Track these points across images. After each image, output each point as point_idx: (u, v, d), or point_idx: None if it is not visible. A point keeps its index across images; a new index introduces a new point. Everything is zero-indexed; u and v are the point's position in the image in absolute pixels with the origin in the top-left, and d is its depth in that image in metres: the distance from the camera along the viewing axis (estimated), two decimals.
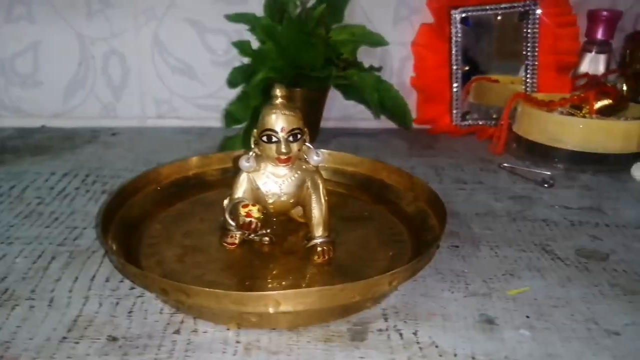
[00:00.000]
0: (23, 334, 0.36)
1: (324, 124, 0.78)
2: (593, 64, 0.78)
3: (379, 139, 0.79)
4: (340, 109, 0.82)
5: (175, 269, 0.42)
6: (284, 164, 0.42)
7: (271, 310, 0.34)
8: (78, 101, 0.80)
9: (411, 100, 0.79)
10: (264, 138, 0.41)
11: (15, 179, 0.61)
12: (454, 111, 0.81)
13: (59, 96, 0.80)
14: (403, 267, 0.37)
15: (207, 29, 0.78)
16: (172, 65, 0.80)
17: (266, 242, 0.44)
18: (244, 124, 0.69)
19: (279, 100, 0.42)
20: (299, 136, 0.42)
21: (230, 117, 0.68)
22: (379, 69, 0.76)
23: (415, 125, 0.79)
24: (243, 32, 0.77)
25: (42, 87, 0.79)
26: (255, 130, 0.43)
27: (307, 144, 0.43)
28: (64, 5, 0.76)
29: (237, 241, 0.44)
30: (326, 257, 0.43)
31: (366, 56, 0.76)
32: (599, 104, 0.69)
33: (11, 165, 0.65)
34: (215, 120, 0.81)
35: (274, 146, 0.41)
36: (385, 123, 0.79)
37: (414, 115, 0.79)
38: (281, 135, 0.41)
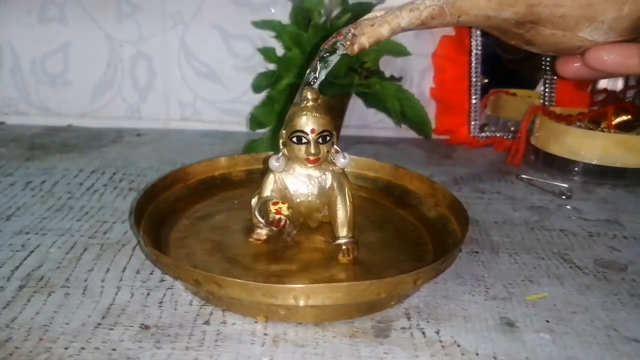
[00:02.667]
0: (60, 319, 0.37)
1: (344, 131, 0.80)
2: (612, 79, 0.79)
3: (398, 147, 0.80)
4: (359, 117, 0.84)
5: (203, 262, 0.43)
6: (312, 165, 0.44)
7: (301, 303, 0.35)
8: (105, 102, 0.82)
9: (430, 111, 0.80)
10: (294, 139, 0.43)
11: (45, 174, 0.62)
12: (472, 123, 0.82)
13: (87, 96, 0.82)
14: (428, 266, 0.38)
15: (232, 34, 0.80)
16: (197, 69, 0.82)
17: (291, 239, 0.46)
18: (267, 128, 0.71)
19: (310, 103, 0.43)
20: (327, 138, 0.43)
21: (255, 121, 0.70)
22: (400, 79, 0.77)
23: (433, 136, 0.80)
24: (267, 38, 0.79)
25: (70, 87, 0.81)
26: (283, 132, 0.44)
27: (335, 146, 0.45)
28: (95, 7, 0.78)
29: (263, 235, 0.45)
30: (350, 256, 0.44)
31: (387, 66, 0.78)
32: (617, 119, 0.70)
33: (41, 162, 0.67)
34: (237, 125, 0.83)
35: (303, 147, 0.43)
36: (403, 132, 0.80)
37: (433, 125, 0.80)
38: (311, 136, 0.42)
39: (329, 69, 0.40)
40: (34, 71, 0.80)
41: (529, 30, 0.36)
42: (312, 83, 0.42)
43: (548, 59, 0.79)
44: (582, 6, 0.34)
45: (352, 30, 0.37)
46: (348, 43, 0.37)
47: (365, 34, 0.36)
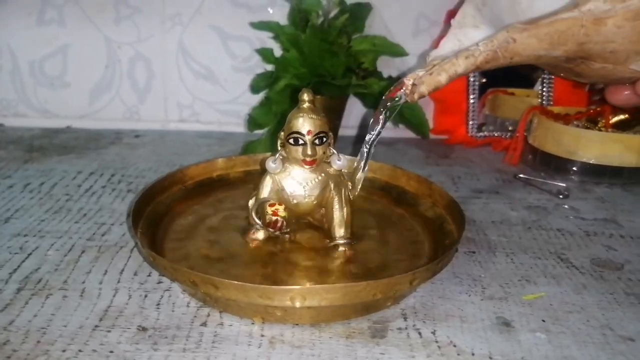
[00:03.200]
0: (57, 322, 0.37)
1: (342, 131, 0.80)
2: None
3: (396, 147, 0.80)
4: (357, 118, 0.84)
5: (200, 263, 0.43)
6: (309, 166, 0.44)
7: (297, 304, 0.35)
8: (103, 103, 0.82)
9: (428, 111, 0.81)
10: (291, 140, 0.43)
11: (43, 176, 0.63)
12: (470, 122, 0.82)
13: (85, 98, 0.82)
14: (424, 267, 0.38)
15: (230, 36, 0.80)
16: (195, 70, 0.82)
17: (288, 240, 0.46)
18: (265, 129, 0.71)
19: (306, 105, 0.43)
20: (324, 140, 0.43)
21: (253, 121, 0.70)
22: (398, 79, 0.77)
23: (431, 136, 0.80)
24: (265, 39, 0.79)
25: (69, 89, 0.82)
26: (281, 133, 0.44)
27: (331, 148, 0.45)
28: (94, 9, 0.78)
29: (260, 238, 0.46)
30: (347, 255, 0.44)
31: (385, 67, 0.78)
32: (614, 119, 0.70)
33: (39, 163, 0.67)
34: (235, 126, 0.83)
35: (300, 148, 0.43)
36: (401, 132, 0.81)
37: (430, 125, 0.81)
38: (307, 138, 0.43)
39: (391, 117, 0.43)
40: (32, 73, 0.80)
41: (579, 65, 0.37)
42: (376, 136, 0.44)
43: None
44: (633, 41, 0.34)
45: (412, 80, 0.39)
46: (408, 92, 0.39)
47: (424, 83, 0.37)
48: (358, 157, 0.45)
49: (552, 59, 0.36)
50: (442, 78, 0.37)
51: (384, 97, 0.41)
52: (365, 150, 0.44)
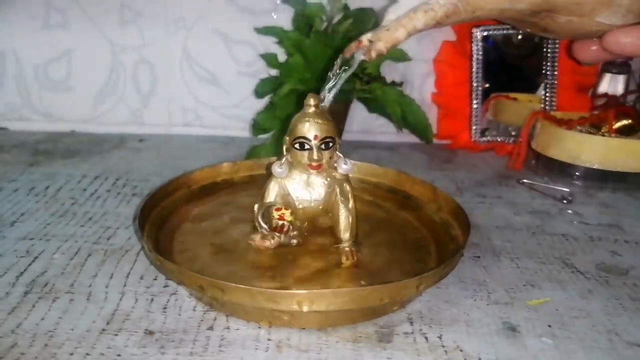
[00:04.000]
0: (64, 325, 0.38)
1: (346, 136, 0.80)
2: (612, 84, 0.79)
3: (399, 152, 0.80)
4: (360, 122, 0.84)
5: (206, 266, 0.43)
6: (315, 171, 0.44)
7: (304, 308, 0.35)
8: (107, 107, 0.83)
9: (432, 116, 0.81)
10: (297, 145, 0.43)
11: (48, 179, 0.63)
12: (474, 127, 0.82)
13: (89, 102, 0.82)
14: (430, 271, 0.38)
15: (234, 40, 0.81)
16: (199, 74, 0.82)
17: (294, 244, 0.46)
18: (270, 134, 0.71)
19: (312, 109, 0.43)
20: (330, 144, 0.43)
21: (257, 126, 0.70)
22: (401, 84, 0.78)
23: (435, 140, 0.81)
24: (269, 44, 0.79)
25: (73, 93, 0.82)
26: (287, 138, 0.44)
27: (337, 152, 0.45)
28: (98, 14, 0.78)
29: (270, 244, 0.45)
30: (353, 259, 0.44)
31: (388, 71, 0.78)
32: (618, 124, 0.71)
33: (44, 167, 0.67)
34: (239, 130, 0.83)
35: (306, 153, 0.43)
36: (404, 137, 0.81)
37: (434, 130, 0.81)
38: (313, 143, 0.43)
39: (347, 75, 0.41)
40: (37, 77, 0.81)
41: (544, 19, 0.36)
42: (329, 90, 0.42)
43: (549, 64, 0.79)
44: None
45: (369, 37, 0.37)
46: (365, 50, 0.38)
47: (381, 40, 0.36)
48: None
49: (516, 12, 0.35)
50: (400, 34, 0.36)
51: (340, 55, 0.40)
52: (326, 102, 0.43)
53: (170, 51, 0.81)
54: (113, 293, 0.42)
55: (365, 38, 0.38)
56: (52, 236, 0.50)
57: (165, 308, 0.40)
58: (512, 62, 0.84)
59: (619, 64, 0.79)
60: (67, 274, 0.44)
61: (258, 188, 0.48)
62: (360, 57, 0.39)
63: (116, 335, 0.37)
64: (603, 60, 0.40)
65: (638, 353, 0.38)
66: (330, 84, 0.42)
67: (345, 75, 0.41)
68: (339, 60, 0.41)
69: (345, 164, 0.45)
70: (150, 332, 0.37)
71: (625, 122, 0.71)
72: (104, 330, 0.37)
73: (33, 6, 0.78)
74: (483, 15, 0.35)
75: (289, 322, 0.38)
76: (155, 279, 0.44)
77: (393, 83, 0.76)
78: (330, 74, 0.42)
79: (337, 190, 0.45)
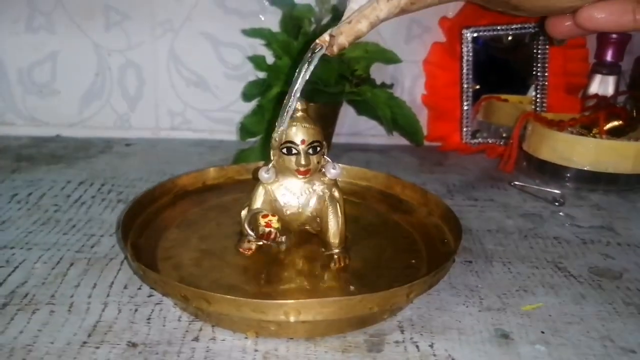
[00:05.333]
0: (44, 338, 0.36)
1: (335, 139, 0.79)
2: (602, 85, 0.79)
3: (390, 155, 0.80)
4: (351, 125, 0.83)
5: (192, 273, 0.42)
6: (303, 176, 0.43)
7: (292, 318, 0.34)
8: (93, 111, 0.81)
9: (422, 118, 0.80)
10: (284, 150, 0.42)
11: (32, 186, 0.61)
12: (464, 129, 0.82)
13: (75, 106, 0.81)
14: (421, 279, 0.37)
15: (221, 42, 0.80)
16: (186, 77, 0.81)
17: (282, 249, 0.45)
18: (257, 137, 0.70)
19: (299, 114, 0.42)
20: (318, 149, 0.42)
21: (245, 130, 0.69)
22: (391, 86, 0.77)
23: (425, 143, 0.80)
24: (257, 46, 0.78)
25: (58, 97, 0.80)
26: (275, 136, 0.43)
27: (325, 157, 0.44)
28: (83, 16, 0.77)
29: (253, 247, 0.44)
30: (342, 264, 0.43)
31: (378, 73, 0.78)
32: (609, 125, 0.70)
33: (27, 173, 0.65)
34: (227, 133, 0.82)
35: (293, 158, 0.42)
36: (395, 139, 0.80)
37: (424, 132, 0.80)
38: (301, 147, 0.42)
39: (308, 72, 0.39)
40: (21, 81, 0.79)
41: None
42: (295, 88, 0.41)
43: (539, 65, 0.79)
44: None
45: (330, 31, 0.36)
46: (327, 45, 0.36)
47: (343, 33, 0.35)
48: (281, 111, 0.42)
49: None
50: (363, 26, 0.34)
51: (307, 52, 0.39)
52: (289, 103, 0.41)
53: (157, 54, 0.79)
54: (95, 304, 0.40)
55: (326, 34, 0.36)
56: (34, 245, 0.48)
57: (149, 319, 0.39)
58: (502, 63, 0.83)
59: (609, 65, 0.79)
60: (48, 284, 0.43)
61: (245, 193, 0.47)
62: (320, 52, 0.37)
63: (97, 348, 0.36)
64: (577, 36, 0.39)
65: (633, 359, 0.37)
66: (295, 86, 0.40)
67: (306, 73, 0.39)
68: (304, 60, 0.39)
69: (334, 168, 0.44)
70: (134, 344, 0.36)
71: (615, 123, 0.70)
72: (85, 342, 0.36)
73: (16, 9, 0.76)
74: None
75: (277, 332, 0.37)
76: (139, 289, 0.43)
77: (383, 85, 0.75)
78: (295, 75, 0.40)
79: (326, 195, 0.44)
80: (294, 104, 0.41)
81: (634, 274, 0.48)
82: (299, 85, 0.40)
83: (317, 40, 0.38)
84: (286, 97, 0.41)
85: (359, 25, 0.34)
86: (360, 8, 0.34)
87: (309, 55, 0.38)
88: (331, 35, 0.36)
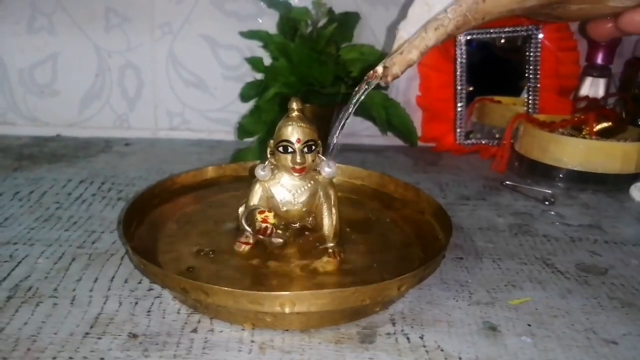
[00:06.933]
0: (48, 329, 0.38)
1: (330, 139, 0.81)
2: (593, 87, 0.81)
3: (384, 155, 0.81)
4: (346, 126, 0.84)
5: (191, 266, 0.44)
6: (298, 174, 0.44)
7: (287, 310, 0.36)
8: (93, 112, 0.83)
9: (416, 119, 0.82)
10: (280, 148, 0.44)
11: (33, 184, 0.63)
12: (458, 130, 0.83)
13: (75, 106, 0.82)
14: (411, 272, 0.39)
15: (220, 44, 0.81)
16: (185, 78, 0.82)
17: (279, 245, 0.46)
18: (255, 137, 0.71)
19: (295, 113, 0.44)
20: (313, 148, 0.44)
21: (243, 130, 0.70)
22: (386, 87, 0.78)
23: (419, 143, 0.81)
24: (255, 48, 0.80)
25: (58, 97, 0.82)
26: (271, 141, 0.45)
27: (320, 155, 0.45)
28: (84, 18, 0.78)
29: (251, 242, 0.46)
30: (337, 258, 0.44)
31: None
32: (598, 126, 0.72)
33: (29, 172, 0.67)
34: (225, 134, 0.84)
35: (289, 156, 0.43)
36: (390, 140, 0.82)
37: (419, 133, 0.82)
38: (297, 146, 0.43)
39: (362, 97, 0.44)
40: (22, 81, 0.80)
41: (555, 10, 0.37)
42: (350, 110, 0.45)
43: (531, 67, 0.80)
44: None
45: (384, 63, 0.39)
46: (382, 76, 0.39)
47: (396, 64, 0.37)
48: (336, 125, 0.46)
49: (526, 9, 0.36)
50: (414, 55, 0.36)
51: (363, 80, 0.42)
52: (344, 121, 0.45)
53: (156, 55, 0.81)
54: (97, 297, 0.42)
55: (379, 67, 0.39)
56: (36, 241, 0.50)
57: (149, 311, 0.40)
58: (495, 65, 0.85)
59: (599, 68, 0.80)
60: (50, 278, 0.44)
61: (243, 190, 0.48)
62: (374, 83, 0.41)
63: (99, 338, 0.37)
64: (618, 37, 0.41)
65: (614, 350, 0.38)
66: (350, 110, 0.45)
67: (358, 100, 0.44)
68: (360, 86, 0.43)
69: (329, 167, 0.46)
70: (134, 335, 0.38)
71: (605, 124, 0.72)
72: (87, 333, 0.37)
73: (18, 10, 0.77)
74: (493, 18, 0.36)
75: (272, 323, 0.38)
76: (139, 282, 0.44)
77: (378, 86, 0.76)
78: (351, 98, 0.45)
79: (321, 192, 0.46)
80: (347, 120, 0.46)
81: (619, 270, 0.50)
82: (352, 109, 0.45)
83: (371, 72, 0.40)
84: (341, 115, 0.46)
85: (409, 55, 0.37)
86: (410, 39, 0.37)
87: (364, 86, 0.42)
88: (385, 67, 0.38)
